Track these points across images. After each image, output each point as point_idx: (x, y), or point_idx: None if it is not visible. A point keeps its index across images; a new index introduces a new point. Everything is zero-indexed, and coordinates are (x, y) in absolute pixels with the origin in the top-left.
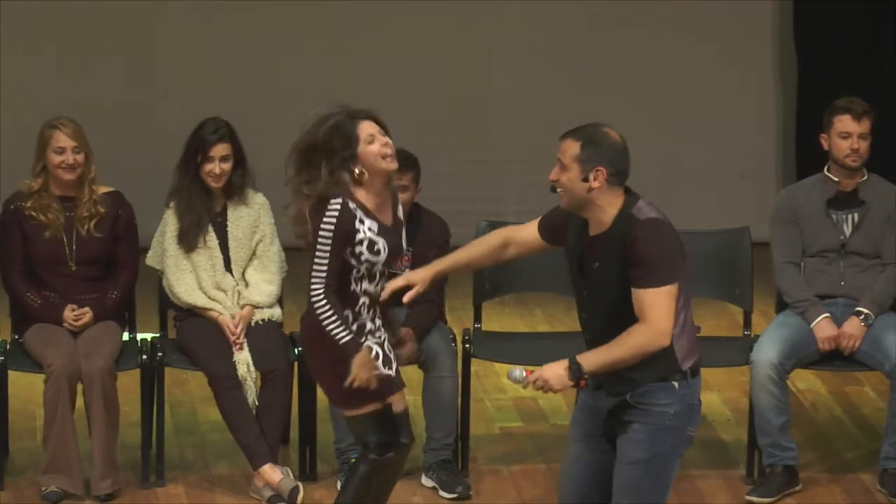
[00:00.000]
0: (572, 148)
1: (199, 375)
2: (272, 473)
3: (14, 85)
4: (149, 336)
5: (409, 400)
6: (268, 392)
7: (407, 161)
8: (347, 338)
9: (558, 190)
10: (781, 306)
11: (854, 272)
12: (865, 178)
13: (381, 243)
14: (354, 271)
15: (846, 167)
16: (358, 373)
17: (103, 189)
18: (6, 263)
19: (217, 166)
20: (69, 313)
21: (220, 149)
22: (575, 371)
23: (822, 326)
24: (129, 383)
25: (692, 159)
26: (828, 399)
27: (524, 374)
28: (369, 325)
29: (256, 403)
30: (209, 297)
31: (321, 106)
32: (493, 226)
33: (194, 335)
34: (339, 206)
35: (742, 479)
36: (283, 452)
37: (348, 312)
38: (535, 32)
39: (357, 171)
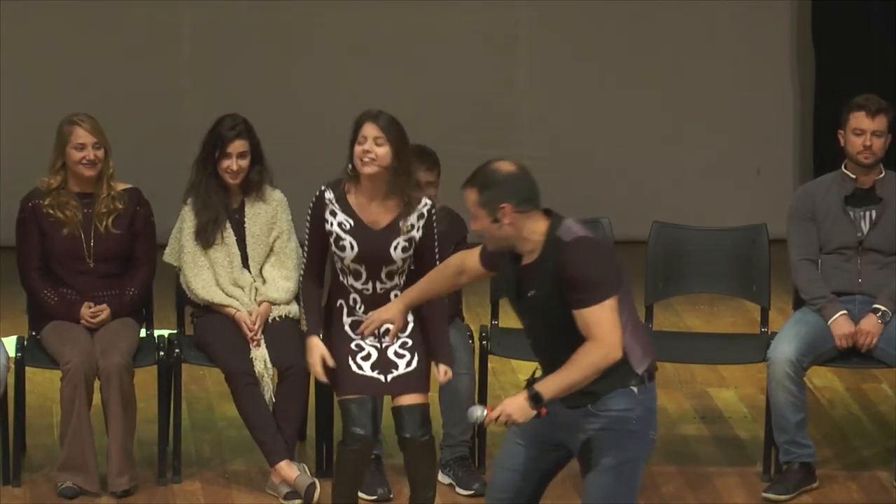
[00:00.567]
0: (471, 196)
1: (215, 372)
2: (289, 470)
3: (33, 81)
4: (166, 332)
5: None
6: (285, 389)
7: (434, 158)
8: (307, 325)
9: (482, 237)
10: (798, 303)
11: (871, 269)
12: (882, 175)
13: (347, 241)
14: (338, 263)
15: (859, 164)
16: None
17: (121, 186)
18: (24, 261)
19: (234, 163)
20: (86, 310)
21: (238, 145)
22: (535, 400)
23: (840, 323)
24: (146, 380)
25: (709, 156)
26: (845, 396)
27: (485, 412)
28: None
29: (273, 400)
30: (226, 294)
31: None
32: None
33: (211, 332)
34: (317, 194)
35: (759, 476)
36: (299, 449)
37: (341, 302)
38: (555, 31)
39: (350, 166)
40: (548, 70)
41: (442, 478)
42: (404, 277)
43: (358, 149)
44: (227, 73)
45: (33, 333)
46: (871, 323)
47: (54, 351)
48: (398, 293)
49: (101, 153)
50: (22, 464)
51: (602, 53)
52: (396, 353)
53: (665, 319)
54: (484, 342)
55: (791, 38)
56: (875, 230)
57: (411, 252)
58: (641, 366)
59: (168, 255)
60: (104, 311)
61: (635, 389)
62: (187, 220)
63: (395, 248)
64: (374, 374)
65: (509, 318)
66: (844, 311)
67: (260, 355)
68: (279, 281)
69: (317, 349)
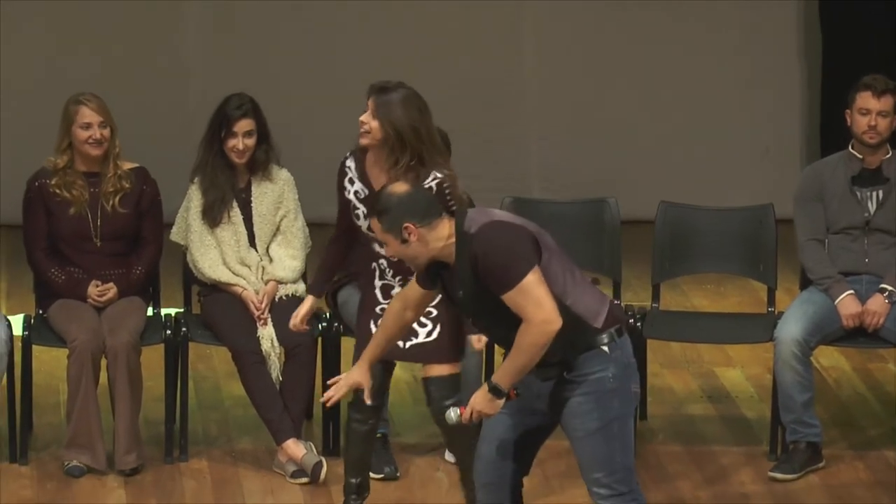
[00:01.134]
0: (375, 225)
1: (222, 351)
2: (295, 448)
3: (36, 61)
4: (173, 311)
5: None
6: (291, 367)
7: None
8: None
9: (407, 264)
10: (805, 283)
11: (878, 249)
12: (889, 155)
13: (360, 210)
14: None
15: (865, 144)
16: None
17: (128, 165)
18: (30, 241)
19: (241, 142)
20: (93, 289)
21: (244, 124)
22: (495, 392)
23: (846, 303)
24: (152, 358)
25: (717, 136)
26: (851, 376)
27: (458, 411)
28: (398, 290)
29: (280, 379)
30: (233, 273)
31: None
32: (518, 202)
33: (218, 311)
34: (342, 160)
35: (765, 455)
36: (306, 427)
37: (374, 265)
38: (561, 22)
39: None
40: (557, 50)
41: (449, 456)
42: None
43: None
44: (233, 51)
45: (40, 312)
46: (877, 303)
47: (61, 329)
48: None
49: (107, 132)
50: (29, 442)
51: (612, 34)
52: (419, 322)
53: (672, 299)
54: None
55: (798, 18)
56: (882, 210)
57: None
58: (599, 319)
59: (175, 234)
60: (111, 290)
61: (606, 349)
62: (194, 199)
63: None
64: None
65: None
66: (851, 291)
67: (267, 334)
68: (286, 260)
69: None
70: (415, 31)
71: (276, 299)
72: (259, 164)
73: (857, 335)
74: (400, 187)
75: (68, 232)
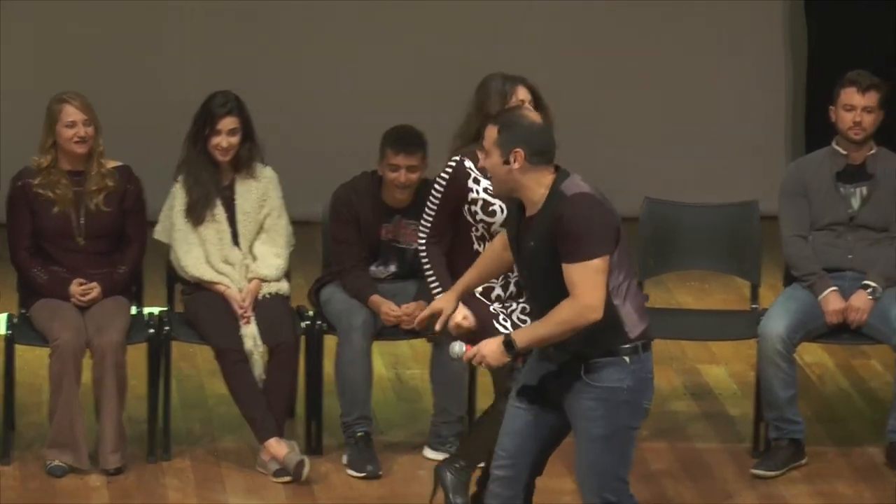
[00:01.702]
0: (491, 134)
1: (206, 349)
2: (278, 447)
3: (17, 61)
4: (156, 310)
5: (417, 374)
6: (274, 366)
7: (417, 141)
8: (440, 285)
9: (489, 175)
10: (789, 280)
11: (862, 245)
12: (874, 151)
13: (497, 205)
14: (473, 230)
15: (850, 140)
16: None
17: (112, 163)
18: (13, 240)
19: (225, 139)
20: (77, 288)
21: (228, 122)
22: (508, 346)
23: (830, 300)
24: (136, 357)
25: (701, 133)
26: (835, 372)
27: (464, 348)
28: (497, 291)
29: (263, 377)
30: (217, 271)
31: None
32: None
33: (202, 309)
34: (453, 164)
35: (748, 452)
36: (289, 426)
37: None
38: (541, 12)
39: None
40: (543, 47)
41: (436, 455)
42: None
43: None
44: (216, 48)
45: (23, 311)
46: (861, 299)
47: (43, 328)
48: None
49: (91, 130)
50: (12, 441)
51: (599, 32)
52: (519, 319)
53: (656, 296)
54: None
55: (784, 16)
56: (866, 206)
57: None
58: (635, 330)
59: (158, 233)
60: (94, 290)
61: (627, 359)
62: (178, 198)
63: None
64: None
65: None
66: (835, 288)
67: (250, 332)
68: (270, 258)
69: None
70: (400, 30)
71: (260, 298)
72: (243, 162)
73: (841, 332)
74: (534, 116)
75: (52, 231)
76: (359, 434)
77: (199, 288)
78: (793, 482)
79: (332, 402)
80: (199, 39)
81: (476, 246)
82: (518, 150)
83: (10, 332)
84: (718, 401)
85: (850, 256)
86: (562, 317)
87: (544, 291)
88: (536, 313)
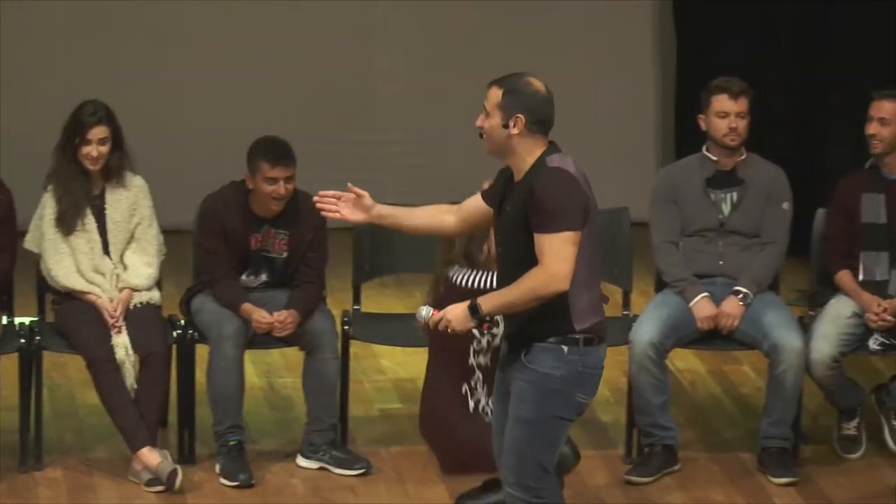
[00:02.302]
0: (495, 95)
1: (77, 359)
2: (150, 456)
3: None
4: (27, 320)
5: (289, 382)
6: (146, 375)
7: (291, 152)
8: None
9: (482, 136)
10: (660, 286)
11: (733, 251)
12: (744, 157)
13: None
14: None
15: (725, 146)
16: None
17: None
18: None
19: (95, 149)
20: None
21: (99, 131)
22: (474, 311)
23: (701, 306)
24: (7, 367)
25: (571, 140)
26: (707, 378)
27: (430, 312)
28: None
29: (135, 386)
30: (87, 281)
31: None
32: None
33: (73, 319)
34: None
35: (621, 458)
36: (161, 435)
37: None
38: (412, 14)
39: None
40: (410, 54)
41: (309, 463)
42: None
43: None
44: (84, 58)
45: None
46: (732, 305)
47: None
48: None
49: None
50: None
51: (460, 37)
52: None
53: None
54: (346, 327)
55: (653, 21)
56: (736, 212)
57: None
58: (582, 322)
59: (29, 242)
60: None
61: (565, 349)
62: (48, 207)
63: None
64: None
65: (371, 303)
66: (706, 294)
67: (121, 342)
68: (140, 267)
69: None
70: (268, 40)
71: (131, 307)
72: (113, 171)
73: (712, 337)
74: (539, 84)
75: None
76: (231, 443)
77: (70, 297)
78: (666, 488)
79: (204, 411)
80: (66, 47)
81: None
82: (520, 115)
83: None
84: (591, 407)
85: (720, 262)
86: (528, 283)
87: (513, 260)
88: (506, 282)
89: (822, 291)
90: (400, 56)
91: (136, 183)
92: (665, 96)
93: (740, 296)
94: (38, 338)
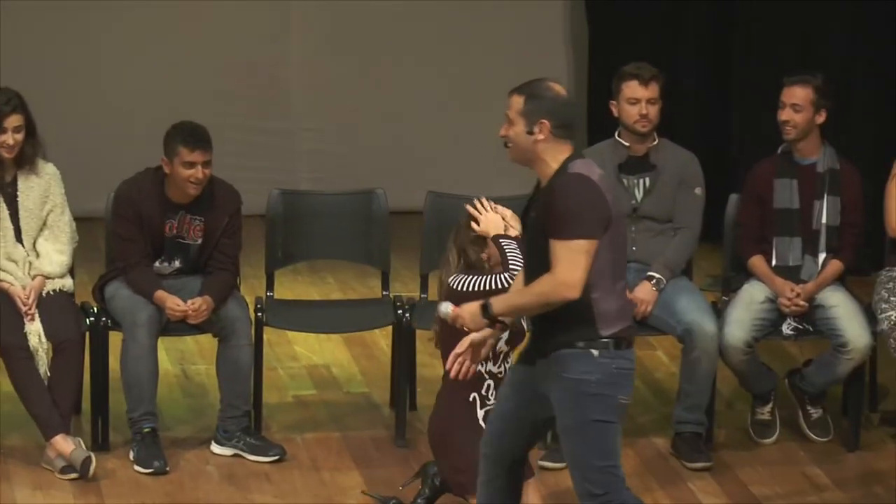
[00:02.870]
0: (517, 102)
1: None
2: (64, 444)
3: None
4: None
5: (202, 369)
6: (59, 362)
7: (208, 136)
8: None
9: (508, 145)
10: None
11: (646, 237)
12: (656, 142)
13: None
14: None
15: (636, 133)
16: None
17: None
18: None
19: (11, 137)
20: None
21: (13, 120)
22: (485, 310)
23: None
24: None
25: (484, 128)
26: None
27: (450, 308)
28: None
29: (48, 374)
30: (0, 269)
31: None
32: (286, 194)
33: None
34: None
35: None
36: (75, 423)
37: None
38: (328, 15)
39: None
40: (324, 43)
41: (222, 450)
42: None
43: None
44: None
45: None
46: (645, 290)
47: None
48: None
49: None
50: None
51: (375, 26)
52: None
53: None
54: (260, 314)
55: (566, 12)
56: (649, 198)
57: None
58: (609, 328)
59: None
60: None
61: (595, 353)
62: None
63: None
64: None
65: (284, 290)
66: None
67: (34, 329)
68: (53, 255)
69: None
70: (182, 27)
71: (44, 294)
72: (26, 158)
73: None
74: (560, 88)
75: None
76: (145, 430)
77: None
78: None
79: (118, 399)
80: None
81: None
82: (544, 121)
83: None
84: None
85: (633, 248)
86: (538, 289)
87: (536, 265)
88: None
89: (735, 277)
90: (313, 44)
91: (49, 170)
92: (578, 84)
93: (653, 281)
94: None
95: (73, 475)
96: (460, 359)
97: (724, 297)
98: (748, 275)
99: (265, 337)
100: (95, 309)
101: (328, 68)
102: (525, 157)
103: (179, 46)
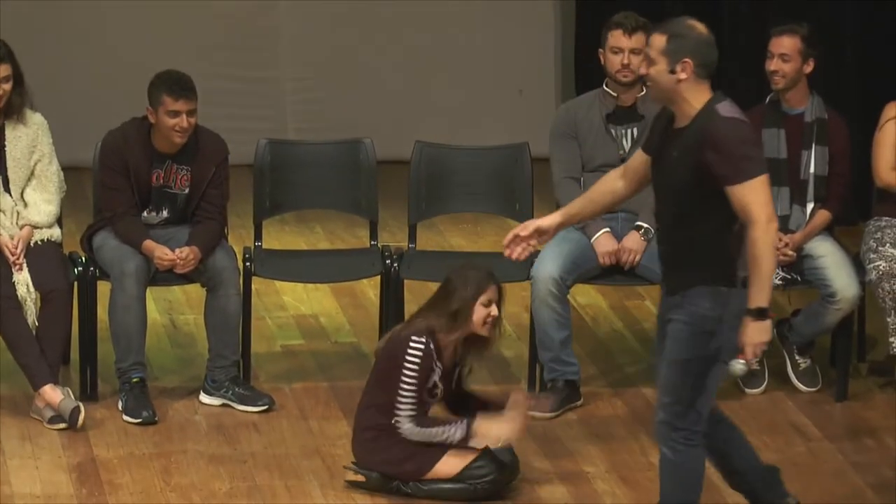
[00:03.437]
0: (659, 41)
1: None
2: (53, 394)
3: None
4: None
5: (190, 319)
6: (47, 312)
7: (192, 85)
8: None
9: (648, 83)
10: None
11: None
12: (644, 92)
13: (439, 389)
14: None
15: (618, 82)
16: None
17: None
18: None
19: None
20: None
21: (1, 70)
22: (760, 315)
23: (602, 241)
24: None
25: (472, 76)
26: (609, 314)
27: (741, 361)
28: None
29: (36, 324)
30: None
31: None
32: (273, 144)
33: None
34: (421, 348)
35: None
36: (63, 373)
37: None
38: None
39: None
40: None
41: (211, 400)
42: None
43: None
44: None
45: None
46: (633, 240)
47: None
48: None
49: None
50: None
51: None
52: None
53: (429, 239)
54: (248, 263)
55: None
56: (637, 148)
57: None
58: (744, 268)
59: None
60: None
61: (724, 290)
62: None
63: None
64: None
65: (272, 240)
66: (607, 229)
67: (22, 279)
68: (41, 204)
69: None
70: None
71: (32, 244)
72: (14, 108)
73: (614, 273)
74: (702, 27)
75: None
76: (134, 380)
77: None
78: (569, 423)
79: (106, 349)
80: None
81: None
82: (687, 60)
83: None
84: None
85: None
86: (758, 247)
87: (672, 202)
88: (662, 225)
89: None
90: None
91: (36, 120)
92: (566, 33)
93: (642, 231)
94: None
95: (62, 425)
96: (524, 243)
97: None
98: None
99: (253, 287)
100: (83, 259)
101: (316, 17)
102: (665, 96)
103: None
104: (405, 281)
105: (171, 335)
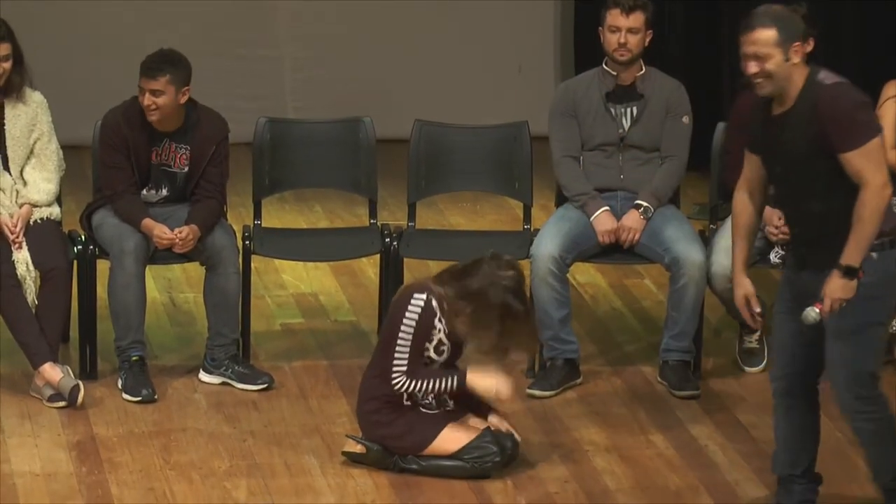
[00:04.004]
0: (769, 36)
1: None
2: (52, 372)
3: None
4: None
5: (190, 298)
6: (47, 291)
7: (160, 66)
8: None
9: (758, 80)
10: (561, 200)
11: (633, 165)
12: (643, 71)
13: (446, 345)
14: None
15: (616, 61)
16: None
17: None
18: None
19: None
20: None
21: (2, 49)
22: (850, 274)
23: (602, 220)
24: None
25: (471, 55)
26: (608, 292)
27: (817, 309)
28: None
29: (36, 302)
30: None
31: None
32: (273, 122)
33: None
34: (422, 304)
35: (523, 373)
36: (63, 351)
37: None
38: None
39: None
40: None
41: (211, 378)
42: None
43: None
44: None
45: None
46: (633, 219)
47: None
48: None
49: None
50: None
51: None
52: None
53: (429, 218)
54: (247, 242)
55: None
56: (636, 126)
57: None
58: (888, 223)
59: None
60: None
61: (874, 255)
62: None
63: None
64: None
65: (271, 218)
66: (606, 208)
67: (22, 258)
68: (40, 183)
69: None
70: None
71: (31, 223)
72: (13, 87)
73: (613, 251)
74: (783, 8)
75: None
76: (133, 358)
77: None
78: (568, 402)
79: (105, 327)
80: None
81: None
82: (797, 43)
83: None
84: None
85: (621, 176)
86: (867, 210)
87: (799, 182)
88: (791, 208)
89: (722, 205)
90: None
91: (36, 98)
92: (565, 11)
93: (641, 209)
94: None
95: (62, 403)
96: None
97: (711, 226)
98: None
99: (252, 265)
100: (83, 237)
101: None
102: (782, 86)
103: None
104: (405, 259)
105: (171, 313)
